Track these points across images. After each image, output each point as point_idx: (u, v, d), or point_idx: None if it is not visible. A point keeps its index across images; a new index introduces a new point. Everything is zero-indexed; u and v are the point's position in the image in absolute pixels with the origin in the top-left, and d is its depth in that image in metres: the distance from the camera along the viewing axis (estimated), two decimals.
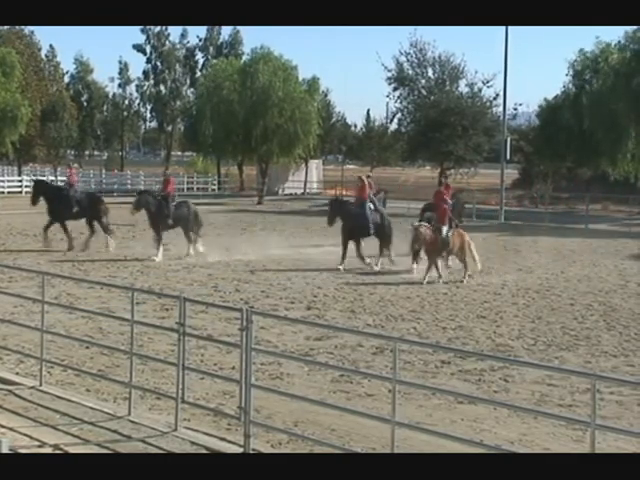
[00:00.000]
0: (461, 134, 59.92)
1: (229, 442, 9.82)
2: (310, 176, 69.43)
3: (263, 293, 20.34)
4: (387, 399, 10.16)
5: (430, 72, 63.45)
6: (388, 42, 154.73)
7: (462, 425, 10.59)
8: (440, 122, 58.97)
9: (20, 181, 61.08)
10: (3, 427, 10.02)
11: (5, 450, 5.62)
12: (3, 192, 55.15)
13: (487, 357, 13.26)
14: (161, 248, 25.92)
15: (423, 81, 63.69)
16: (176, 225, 26.67)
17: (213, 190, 68.34)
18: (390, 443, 8.48)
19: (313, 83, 63.26)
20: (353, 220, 25.36)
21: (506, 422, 10.75)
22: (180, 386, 10.29)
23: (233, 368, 11.77)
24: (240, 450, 9.44)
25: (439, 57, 62.73)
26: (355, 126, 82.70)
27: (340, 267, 24.24)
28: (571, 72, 55.49)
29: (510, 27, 48.96)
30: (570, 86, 56.22)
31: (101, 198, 29.16)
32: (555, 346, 15.42)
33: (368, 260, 25.09)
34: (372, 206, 25.92)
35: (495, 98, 61.16)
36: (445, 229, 23.25)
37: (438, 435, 8.95)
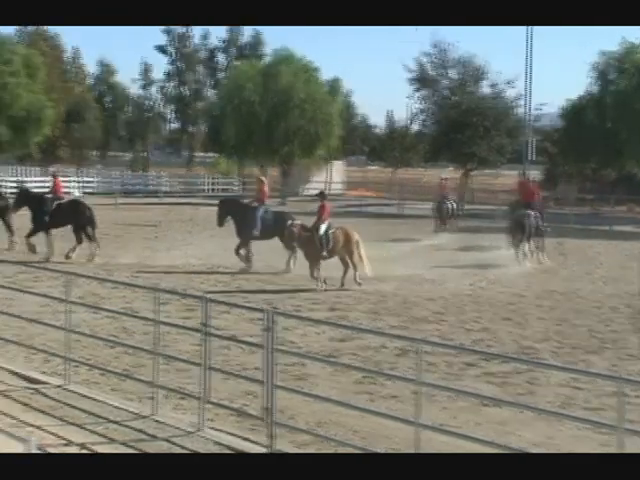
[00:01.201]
0: (483, 135, 59.67)
1: (253, 442, 9.84)
2: (332, 177, 69.38)
3: (287, 294, 20.36)
4: (411, 401, 10.13)
5: (452, 73, 63.29)
6: (410, 43, 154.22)
7: (487, 428, 10.55)
8: (462, 123, 58.77)
9: (45, 182, 61.36)
10: (31, 425, 10.09)
11: (33, 448, 5.65)
12: None
13: (512, 359, 13.18)
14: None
15: (445, 82, 63.50)
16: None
17: (236, 191, 68.41)
18: (414, 445, 8.47)
19: (335, 84, 63.22)
20: (242, 221, 25.11)
21: (531, 425, 10.69)
22: (204, 386, 10.33)
23: (257, 369, 11.76)
24: (264, 450, 9.46)
25: (461, 58, 62.56)
26: (377, 127, 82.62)
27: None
28: (595, 72, 55.16)
29: (533, 27, 48.78)
30: (594, 86, 55.90)
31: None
32: (581, 349, 15.34)
33: (250, 264, 24.59)
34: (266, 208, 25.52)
35: (518, 99, 60.93)
36: (323, 227, 21.94)
37: (462, 437, 8.92)
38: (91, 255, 25.83)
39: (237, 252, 24.66)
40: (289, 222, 23.22)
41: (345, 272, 21.73)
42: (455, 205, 39.05)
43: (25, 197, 28.15)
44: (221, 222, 25.80)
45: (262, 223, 24.88)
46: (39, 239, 26.51)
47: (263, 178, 27.75)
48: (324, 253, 21.75)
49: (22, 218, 28.08)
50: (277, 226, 24.20)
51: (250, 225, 24.82)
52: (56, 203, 27.01)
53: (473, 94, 62.25)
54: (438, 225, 37.43)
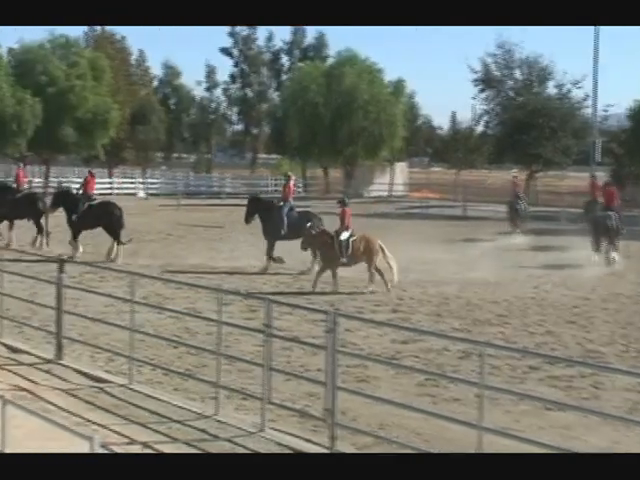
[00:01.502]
0: (549, 136, 59.04)
1: (315, 444, 9.83)
2: (395, 178, 69.19)
3: (349, 295, 20.35)
4: (473, 404, 10.05)
5: (517, 73, 62.74)
6: (475, 44, 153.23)
7: (551, 432, 10.42)
8: (528, 124, 58.20)
9: (110, 183, 62.26)
10: (95, 424, 10.21)
11: (97, 447, 5.71)
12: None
13: (577, 363, 13.01)
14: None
15: (510, 83, 62.97)
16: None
17: (299, 192, 68.65)
18: (476, 448, 8.39)
19: (399, 85, 63.13)
20: (268, 220, 25.01)
21: (597, 430, 10.52)
22: (266, 387, 10.35)
23: (319, 370, 11.78)
24: (325, 452, 9.45)
25: (527, 58, 61.98)
26: (441, 128, 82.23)
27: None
28: None
29: (600, 27, 48.12)
30: None
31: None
32: None
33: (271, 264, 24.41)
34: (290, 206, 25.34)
35: (585, 99, 60.20)
36: (346, 234, 21.67)
37: (525, 441, 8.81)
38: (115, 255, 25.83)
39: (269, 254, 24.57)
40: (308, 224, 23.05)
41: (382, 277, 21.31)
42: (526, 206, 38.76)
43: (62, 198, 28.26)
44: (248, 220, 25.85)
45: (288, 221, 24.86)
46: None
47: (291, 174, 27.73)
48: (343, 259, 21.51)
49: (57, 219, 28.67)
50: (303, 225, 23.88)
51: (276, 224, 24.85)
52: (87, 204, 27.11)
53: (539, 95, 61.61)
54: (512, 226, 37.17)
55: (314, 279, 21.38)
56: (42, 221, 28.46)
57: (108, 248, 26.20)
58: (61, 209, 27.75)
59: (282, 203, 25.63)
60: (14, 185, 31.53)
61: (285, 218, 24.96)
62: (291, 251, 23.90)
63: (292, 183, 26.31)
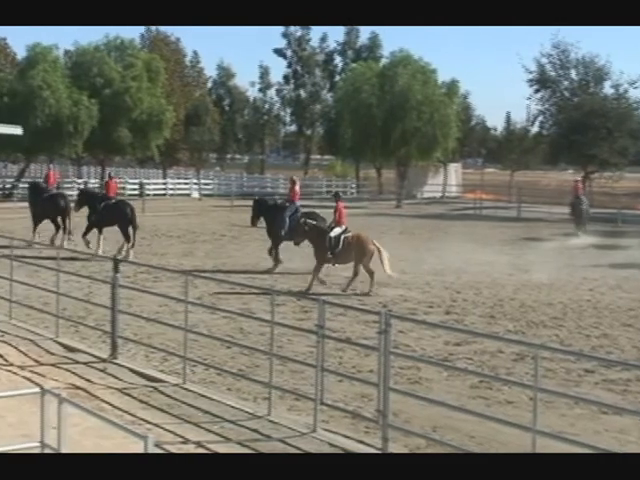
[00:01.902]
0: (605, 137, 58.34)
1: (367, 445, 9.82)
2: (449, 179, 68.85)
3: (401, 297, 20.29)
4: (527, 407, 9.97)
5: (573, 74, 62.06)
6: (529, 44, 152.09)
7: (606, 436, 10.30)
8: (584, 124, 57.55)
9: (165, 184, 62.76)
10: (149, 423, 10.30)
11: (151, 446, 5.75)
12: (149, 195, 56.69)
13: (633, 367, 12.84)
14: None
15: (566, 83, 62.30)
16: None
17: (352, 193, 68.59)
18: (530, 452, 8.31)
19: (452, 86, 62.78)
20: (272, 221, 25.25)
21: None
22: (319, 388, 10.36)
23: (371, 371, 11.77)
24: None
25: (583, 58, 61.28)
26: (495, 129, 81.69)
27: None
28: None
29: None
30: None
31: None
32: None
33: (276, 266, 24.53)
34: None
35: None
36: (338, 230, 21.44)
37: (580, 445, 8.71)
38: (126, 253, 25.86)
39: (270, 253, 25.02)
40: (302, 220, 22.80)
41: (371, 278, 20.80)
42: (588, 207, 38.57)
43: (86, 198, 28.64)
44: (254, 222, 26.15)
45: (290, 223, 24.89)
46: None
47: (295, 178, 27.74)
48: (329, 255, 21.29)
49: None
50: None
51: (279, 225, 25.04)
52: (103, 204, 27.52)
53: (595, 95, 60.90)
54: (577, 227, 37.10)
55: (311, 278, 21.14)
56: (66, 220, 28.90)
57: (120, 245, 26.53)
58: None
59: (287, 205, 25.79)
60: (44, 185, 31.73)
61: (287, 220, 25.09)
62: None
63: (297, 187, 26.54)
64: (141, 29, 73.14)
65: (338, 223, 21.81)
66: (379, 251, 21.24)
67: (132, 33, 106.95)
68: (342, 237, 21.36)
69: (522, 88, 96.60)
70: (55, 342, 14.47)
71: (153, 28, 71.36)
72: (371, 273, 20.95)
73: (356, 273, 21.02)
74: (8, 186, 56.88)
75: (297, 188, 26.39)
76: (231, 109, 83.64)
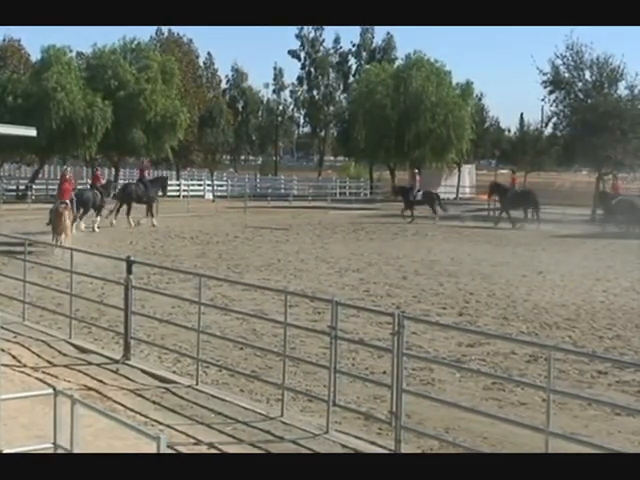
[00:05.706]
0: (620, 138, 58.13)
1: (379, 446, 9.80)
2: (463, 181, 68.78)
3: (415, 298, 20.25)
4: (541, 408, 9.94)
5: (587, 75, 61.82)
6: (543, 45, 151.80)
7: (620, 438, 10.26)
8: (598, 126, 57.35)
9: (178, 185, 62.87)
10: (161, 424, 10.30)
11: (164, 447, 5.76)
12: (163, 196, 56.84)
13: None
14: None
15: (580, 84, 62.05)
16: None
17: (365, 195, 68.61)
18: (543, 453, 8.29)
19: (467, 87, 62.79)
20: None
21: None
22: (332, 389, 10.35)
23: (384, 372, 11.76)
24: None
25: (597, 59, 61.03)
26: (509, 130, 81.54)
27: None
28: None
29: None
30: None
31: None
32: None
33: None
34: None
35: None
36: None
37: (594, 447, 8.67)
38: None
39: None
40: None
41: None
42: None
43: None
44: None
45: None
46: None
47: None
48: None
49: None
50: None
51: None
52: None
53: (609, 96, 60.66)
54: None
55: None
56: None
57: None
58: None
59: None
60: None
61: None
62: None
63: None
64: (151, 31, 73.32)
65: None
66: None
67: (142, 34, 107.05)
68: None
69: (536, 89, 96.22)
70: (68, 343, 14.50)
71: (164, 29, 71.54)
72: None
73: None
74: (22, 187, 57.15)
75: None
76: (245, 110, 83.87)
